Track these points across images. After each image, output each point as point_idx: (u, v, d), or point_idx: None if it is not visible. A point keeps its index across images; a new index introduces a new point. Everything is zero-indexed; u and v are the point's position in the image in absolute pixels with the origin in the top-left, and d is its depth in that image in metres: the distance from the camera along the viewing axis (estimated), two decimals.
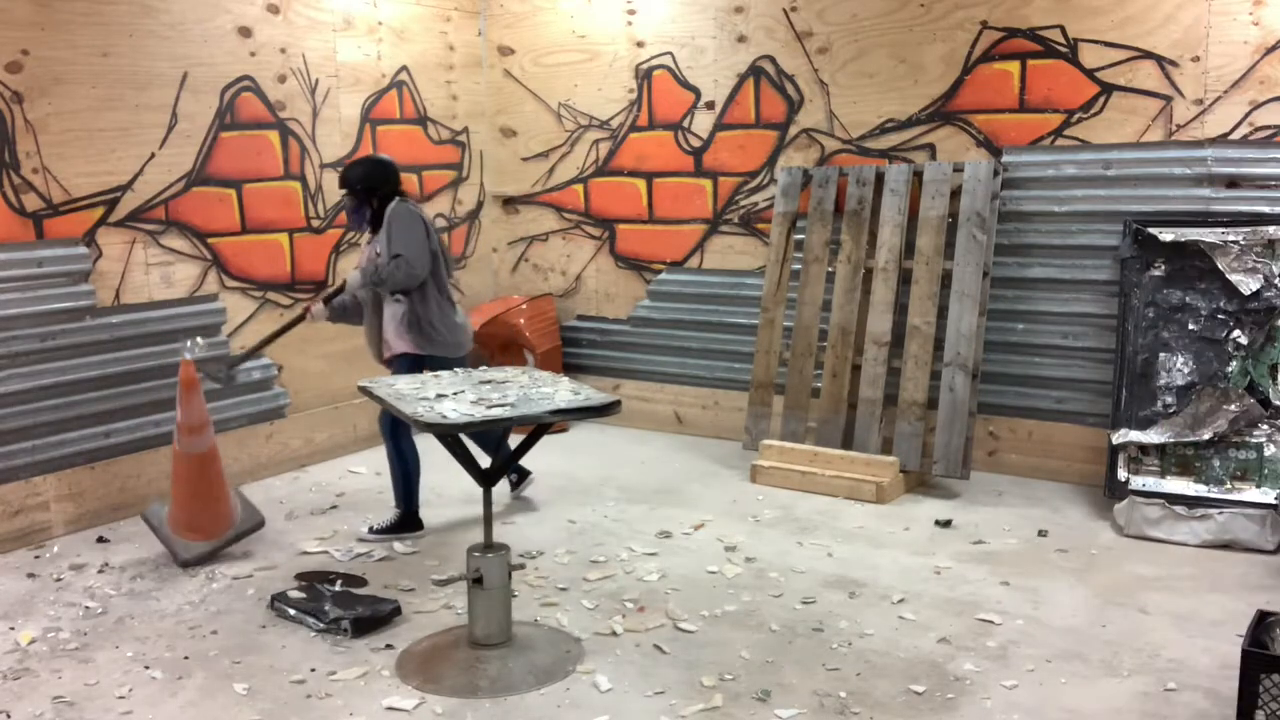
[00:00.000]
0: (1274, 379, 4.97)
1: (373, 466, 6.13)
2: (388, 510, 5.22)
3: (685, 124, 6.71)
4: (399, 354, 4.98)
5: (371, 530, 5.06)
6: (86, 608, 4.32)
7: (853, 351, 5.92)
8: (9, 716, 3.50)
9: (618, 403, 3.68)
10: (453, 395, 3.75)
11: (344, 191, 5.06)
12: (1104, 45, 5.44)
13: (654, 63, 6.76)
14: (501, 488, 5.46)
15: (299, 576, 4.53)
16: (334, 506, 5.56)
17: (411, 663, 3.80)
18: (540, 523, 5.27)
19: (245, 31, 5.86)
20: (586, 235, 7.21)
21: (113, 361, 5.34)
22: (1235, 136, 5.19)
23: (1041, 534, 5.01)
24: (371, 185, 4.96)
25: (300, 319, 5.20)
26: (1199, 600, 4.25)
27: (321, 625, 4.05)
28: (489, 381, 4.00)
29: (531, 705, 3.53)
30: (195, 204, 5.69)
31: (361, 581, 4.51)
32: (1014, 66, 5.67)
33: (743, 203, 6.57)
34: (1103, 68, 5.45)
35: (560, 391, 3.80)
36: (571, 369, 7.24)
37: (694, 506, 5.48)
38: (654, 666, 3.76)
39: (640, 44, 6.80)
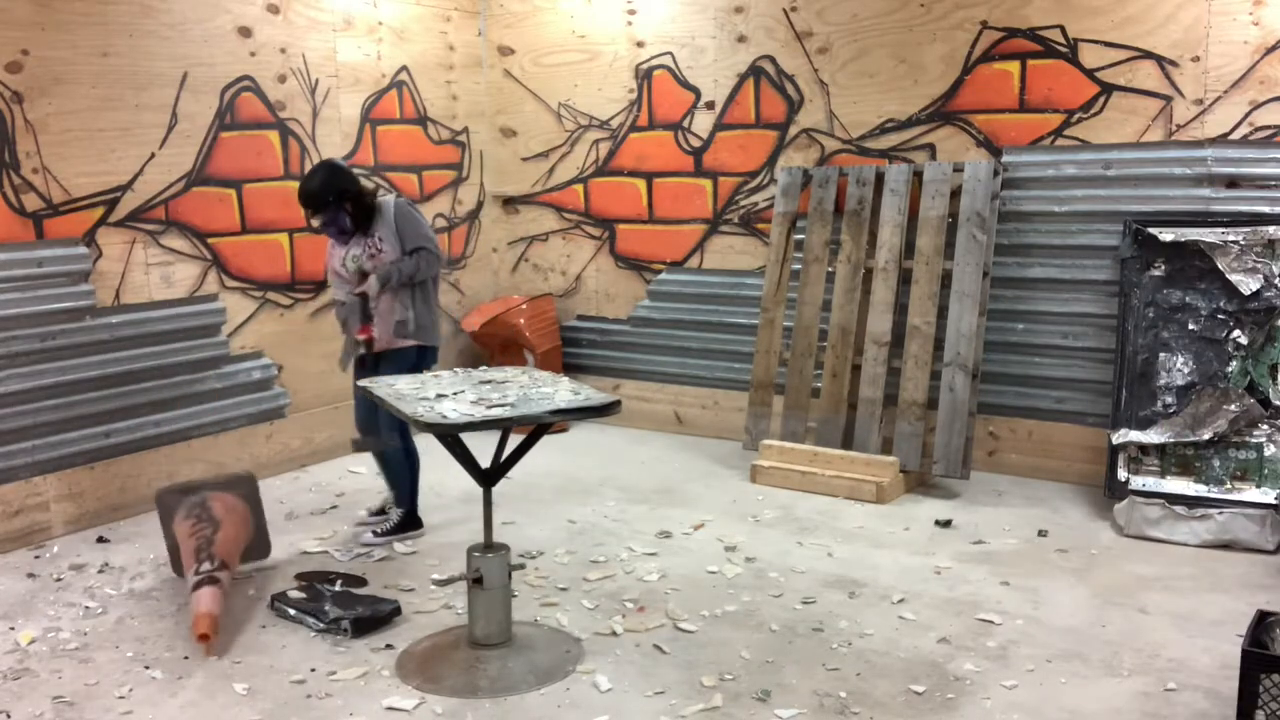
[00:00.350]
0: (1274, 379, 4.97)
1: (373, 466, 6.11)
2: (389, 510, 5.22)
3: (685, 124, 6.71)
4: (404, 347, 4.93)
5: (376, 534, 5.04)
6: (86, 608, 4.32)
7: (853, 351, 5.92)
8: (9, 716, 3.50)
9: (618, 403, 3.68)
10: (453, 395, 3.75)
11: (312, 211, 4.81)
12: (1104, 45, 5.44)
13: (654, 63, 6.76)
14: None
15: (299, 576, 4.53)
16: (334, 506, 5.56)
17: (411, 663, 3.80)
18: (540, 523, 5.27)
19: (245, 31, 5.86)
20: (586, 235, 7.21)
21: (113, 361, 5.34)
22: (1235, 136, 5.19)
23: (1041, 534, 5.01)
24: (340, 189, 4.78)
25: (370, 348, 4.92)
26: (1199, 600, 4.25)
27: (321, 625, 4.05)
28: (489, 381, 4.00)
29: (531, 705, 3.53)
30: (195, 204, 5.69)
31: (361, 581, 4.51)
32: (1014, 66, 5.67)
33: (743, 203, 6.57)
34: (1103, 68, 5.45)
35: (560, 391, 3.80)
36: (571, 369, 7.24)
37: (694, 506, 5.48)
38: (654, 666, 3.76)
39: (640, 44, 6.80)
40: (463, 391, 3.81)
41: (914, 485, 5.71)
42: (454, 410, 3.53)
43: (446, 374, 4.17)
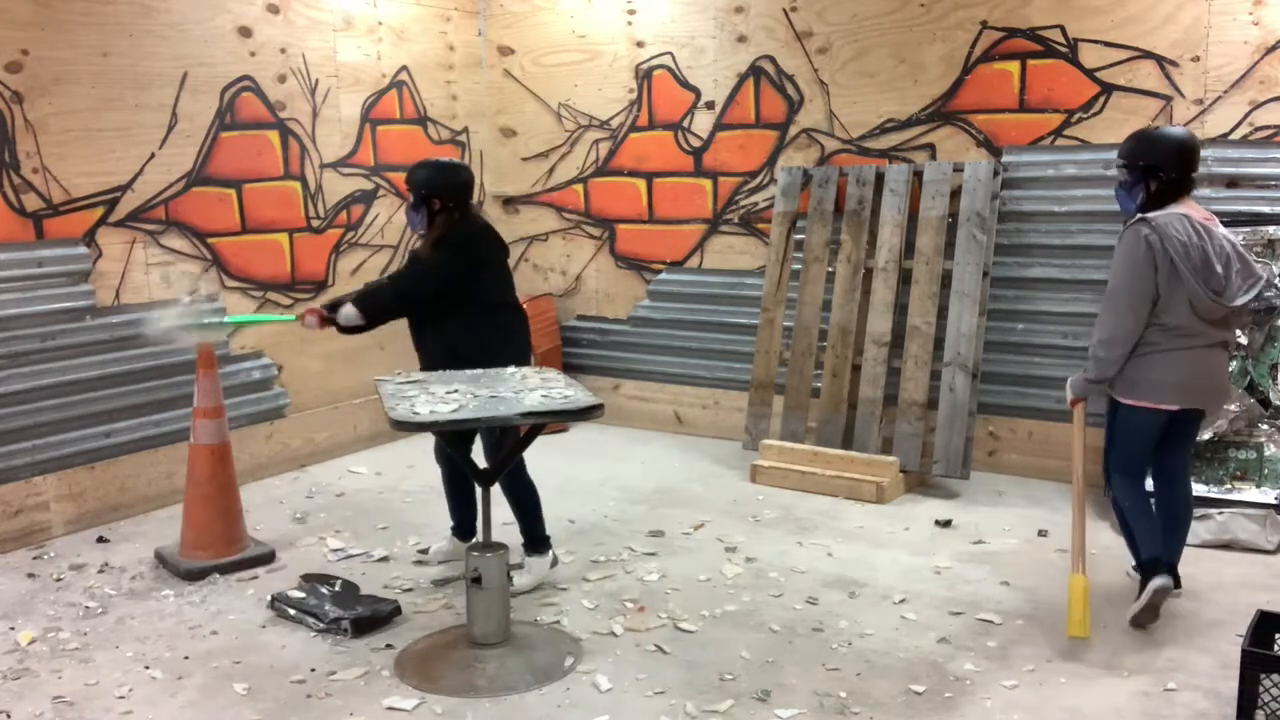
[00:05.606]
0: (1274, 379, 4.97)
1: (373, 466, 6.13)
2: (387, 511, 5.21)
3: (685, 124, 6.71)
4: None
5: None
6: (86, 608, 4.32)
7: (853, 351, 5.92)
8: (9, 716, 3.50)
9: (600, 406, 3.61)
10: (439, 394, 3.71)
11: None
12: (1104, 45, 5.44)
13: (654, 63, 6.76)
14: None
15: (300, 577, 4.53)
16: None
17: (411, 662, 3.80)
18: None
19: (245, 31, 5.85)
20: (586, 235, 7.21)
21: (113, 361, 5.34)
22: (1235, 136, 5.18)
23: (1041, 534, 5.01)
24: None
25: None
26: (1199, 600, 4.25)
27: (321, 625, 4.05)
28: (483, 380, 3.99)
29: (531, 705, 3.52)
30: (195, 204, 5.69)
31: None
32: (1014, 66, 5.66)
33: (743, 203, 6.57)
34: (1103, 68, 5.45)
35: (530, 395, 3.69)
36: (571, 369, 7.23)
37: (694, 506, 5.48)
38: (654, 666, 3.76)
39: (640, 44, 6.80)
40: (455, 390, 3.80)
41: (914, 485, 5.71)
42: (427, 409, 3.51)
43: (446, 374, 4.16)
